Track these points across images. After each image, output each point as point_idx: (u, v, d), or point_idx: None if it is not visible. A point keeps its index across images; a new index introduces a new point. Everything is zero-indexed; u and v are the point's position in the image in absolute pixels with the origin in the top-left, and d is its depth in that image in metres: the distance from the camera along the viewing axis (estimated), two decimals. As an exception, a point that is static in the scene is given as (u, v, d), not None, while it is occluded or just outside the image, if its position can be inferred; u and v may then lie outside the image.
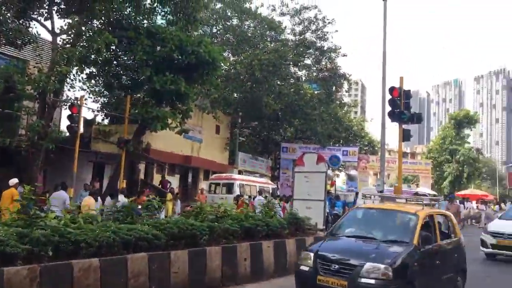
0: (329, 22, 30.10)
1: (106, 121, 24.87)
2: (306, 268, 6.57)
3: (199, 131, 26.97)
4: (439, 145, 60.82)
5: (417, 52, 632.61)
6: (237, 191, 21.31)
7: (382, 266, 5.96)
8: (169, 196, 16.57)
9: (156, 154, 22.60)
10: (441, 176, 58.87)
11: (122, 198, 11.61)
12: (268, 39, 30.68)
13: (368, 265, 6.00)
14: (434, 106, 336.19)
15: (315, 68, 32.14)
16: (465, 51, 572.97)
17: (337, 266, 6.21)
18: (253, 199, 17.64)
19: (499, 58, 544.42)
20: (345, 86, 34.78)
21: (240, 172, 28.30)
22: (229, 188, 22.31)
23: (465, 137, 61.86)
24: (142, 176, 23.15)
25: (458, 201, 27.77)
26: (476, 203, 34.59)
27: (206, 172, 27.78)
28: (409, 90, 16.94)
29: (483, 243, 13.35)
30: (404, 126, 17.26)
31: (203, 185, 26.08)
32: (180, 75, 16.60)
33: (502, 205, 31.96)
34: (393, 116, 16.16)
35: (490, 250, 13.09)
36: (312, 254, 6.56)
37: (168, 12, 17.88)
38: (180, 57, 16.31)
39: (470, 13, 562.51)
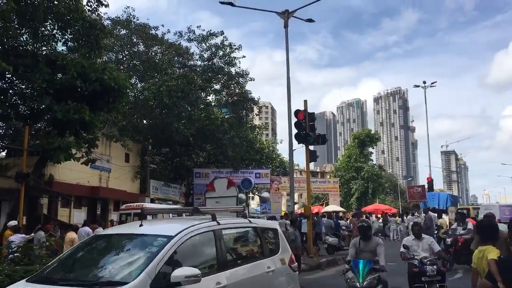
0: (236, 48, 30.77)
1: (3, 154, 23.14)
2: None
3: (107, 160, 26.00)
4: (346, 163, 63.96)
5: (323, 75, 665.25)
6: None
7: None
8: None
9: (60, 186, 21.38)
10: (349, 193, 61.78)
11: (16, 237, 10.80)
12: (176, 65, 30.61)
13: None
14: (340, 126, 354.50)
15: (224, 93, 32.55)
16: (365, 73, 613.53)
17: None
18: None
19: (394, 79, 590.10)
20: (255, 109, 35.53)
21: (152, 201, 27.58)
22: (141, 217, 21.60)
23: (368, 154, 65.68)
24: (45, 211, 21.72)
25: (364, 216, 29.21)
26: (381, 216, 36.65)
27: (116, 202, 26.75)
28: (313, 113, 17.72)
29: None
30: (311, 147, 18.03)
31: (113, 216, 25.03)
32: (84, 103, 15.98)
33: (404, 217, 34.15)
34: (300, 138, 16.82)
35: None
36: None
37: (69, 39, 17.24)
38: (83, 84, 15.70)
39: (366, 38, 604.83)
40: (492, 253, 4.89)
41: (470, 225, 12.22)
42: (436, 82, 44.52)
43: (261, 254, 6.38)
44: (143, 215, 6.06)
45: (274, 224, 7.69)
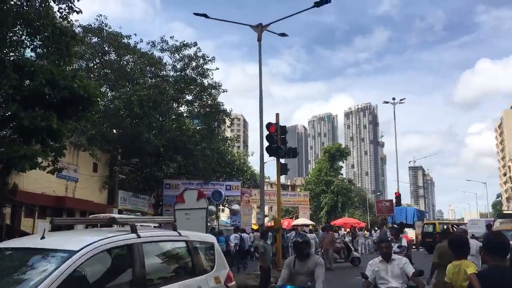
0: (209, 60, 30.80)
1: (-36, 162, 22.34)
2: None
3: (74, 170, 25.46)
4: (316, 177, 64.51)
5: (295, 88, 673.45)
6: (116, 231, 20.32)
7: None
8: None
9: (25, 196, 20.77)
10: (319, 207, 62.23)
11: None
12: (148, 75, 30.39)
13: None
14: (311, 140, 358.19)
15: (196, 104, 32.46)
16: (336, 88, 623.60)
17: None
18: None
19: (364, 94, 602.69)
20: (227, 121, 35.53)
21: (120, 212, 27.13)
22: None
23: (338, 169, 66.45)
24: (8, 221, 21.03)
25: (333, 229, 29.45)
26: (350, 230, 37.01)
27: (82, 213, 26.16)
28: (285, 126, 17.85)
29: None
30: (282, 160, 18.11)
31: (79, 227, 24.43)
32: (52, 111, 15.62)
33: (373, 231, 34.59)
34: (271, 151, 16.89)
35: None
36: None
37: (38, 45, 16.89)
38: (51, 92, 15.34)
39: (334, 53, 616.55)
40: (470, 267, 5.00)
41: (404, 242, 11.07)
42: (404, 98, 45.67)
43: (192, 272, 5.64)
44: (54, 225, 5.47)
45: (210, 238, 6.89)
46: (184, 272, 5.67)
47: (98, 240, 4.47)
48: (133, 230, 4.95)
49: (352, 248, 22.99)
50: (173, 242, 5.71)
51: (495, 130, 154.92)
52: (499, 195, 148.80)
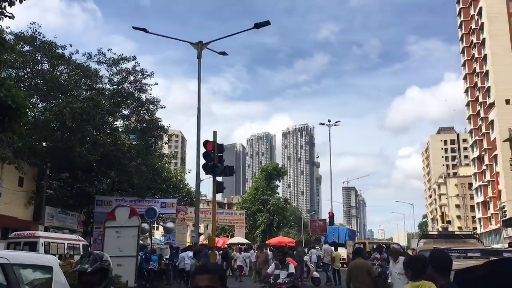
0: (148, 75, 30.35)
1: None
2: None
3: (-3, 184, 23.98)
4: (252, 195, 64.80)
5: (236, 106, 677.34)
6: (41, 250, 19.26)
7: None
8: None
9: None
10: (255, 225, 62.40)
11: None
12: (83, 87, 29.40)
13: None
14: (249, 159, 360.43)
15: (133, 119, 31.75)
16: (276, 108, 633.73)
17: None
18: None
19: (302, 115, 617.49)
20: (164, 138, 35.01)
21: (47, 229, 25.77)
22: (32, 247, 20.08)
23: (275, 188, 67.19)
24: None
25: (268, 248, 29.59)
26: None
27: (5, 230, 24.61)
28: (222, 144, 17.85)
29: None
30: (219, 178, 18.05)
31: (0, 245, 22.93)
32: (-26, 120, 14.69)
33: (306, 250, 34.99)
34: (207, 168, 16.80)
35: None
36: None
37: (-37, 50, 15.90)
38: (-25, 100, 14.45)
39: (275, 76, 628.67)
40: (433, 287, 5.13)
41: (292, 268, 9.61)
42: (339, 121, 47.31)
43: None
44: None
45: (48, 260, 5.12)
46: None
47: None
48: None
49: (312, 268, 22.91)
50: None
51: (422, 154, 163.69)
52: (425, 216, 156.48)
